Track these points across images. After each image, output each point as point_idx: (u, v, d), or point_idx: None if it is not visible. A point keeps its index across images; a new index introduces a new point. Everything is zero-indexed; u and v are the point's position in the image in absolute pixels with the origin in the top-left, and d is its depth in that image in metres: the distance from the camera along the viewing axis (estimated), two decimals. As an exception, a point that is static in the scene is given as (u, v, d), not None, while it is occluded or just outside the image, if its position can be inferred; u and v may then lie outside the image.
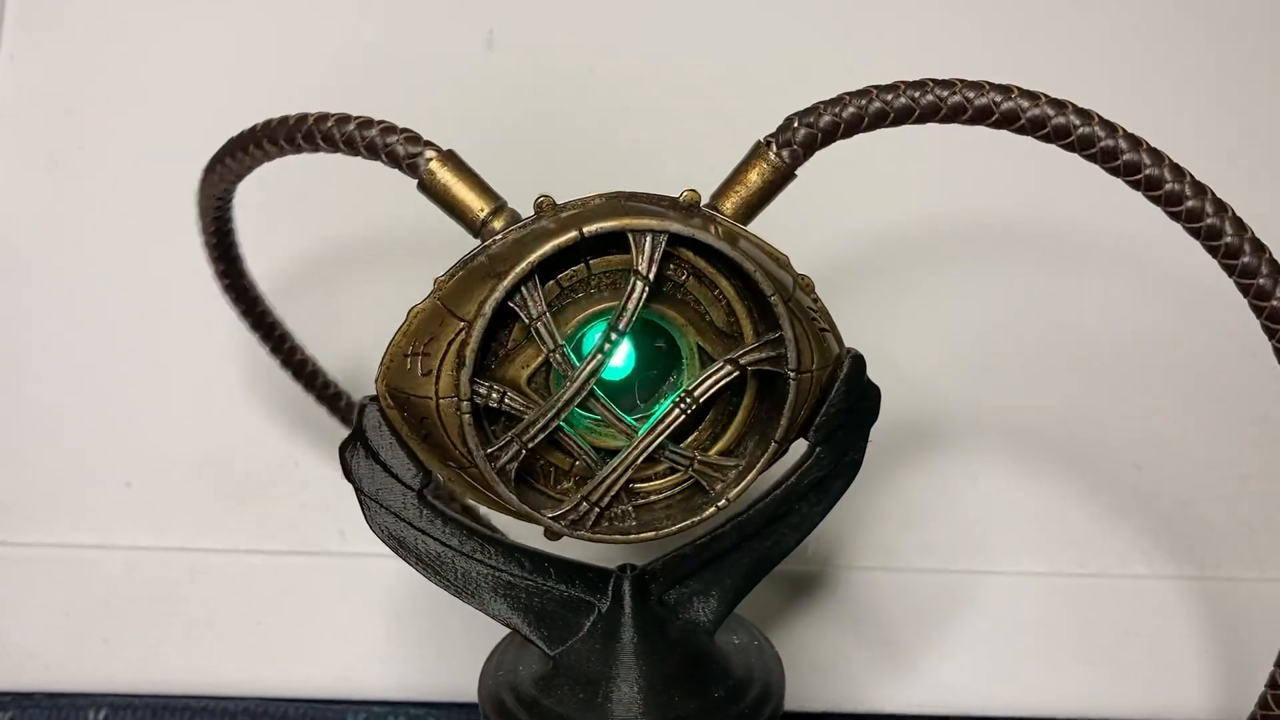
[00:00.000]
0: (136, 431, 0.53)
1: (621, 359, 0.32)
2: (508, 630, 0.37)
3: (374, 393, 0.32)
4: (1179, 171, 0.31)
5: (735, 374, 0.31)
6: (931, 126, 0.50)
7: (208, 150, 0.38)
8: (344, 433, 0.50)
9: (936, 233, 0.54)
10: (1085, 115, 0.31)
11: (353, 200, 0.51)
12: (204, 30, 0.54)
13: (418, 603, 0.53)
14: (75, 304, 0.53)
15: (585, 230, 0.29)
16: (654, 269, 0.30)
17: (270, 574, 0.53)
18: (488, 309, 0.29)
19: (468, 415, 0.30)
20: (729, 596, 0.36)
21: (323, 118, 0.33)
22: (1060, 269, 0.54)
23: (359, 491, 0.33)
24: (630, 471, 0.32)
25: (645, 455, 0.32)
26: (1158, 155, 0.31)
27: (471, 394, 0.30)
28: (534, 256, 0.29)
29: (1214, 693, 0.53)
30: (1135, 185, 0.31)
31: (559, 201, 0.32)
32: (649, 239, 0.30)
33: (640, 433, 0.31)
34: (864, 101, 0.32)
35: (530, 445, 0.31)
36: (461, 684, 0.50)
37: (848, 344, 0.34)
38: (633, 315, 0.30)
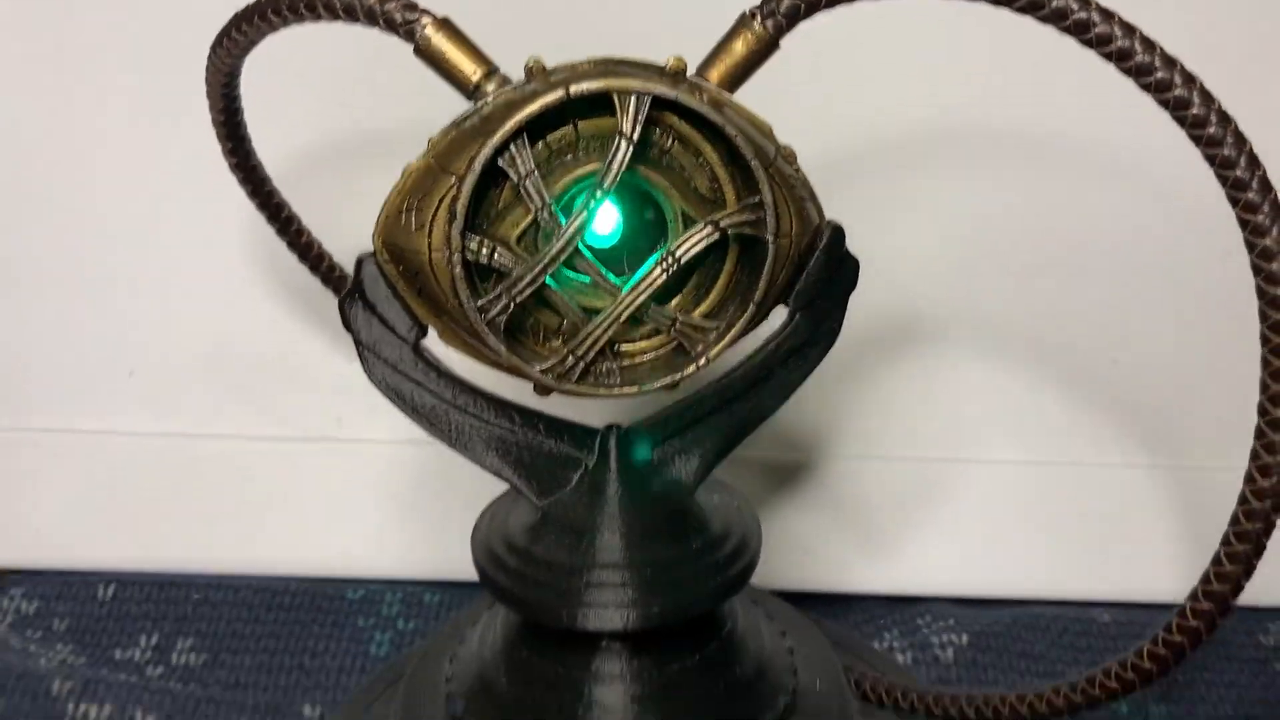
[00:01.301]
0: (139, 322, 0.55)
1: (609, 225, 0.34)
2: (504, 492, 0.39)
3: (371, 249, 0.33)
4: (1169, 62, 0.31)
5: (716, 236, 0.33)
6: (922, 23, 0.52)
7: (210, 31, 0.39)
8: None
9: (925, 133, 0.55)
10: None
11: (356, 89, 0.52)
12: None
13: (413, 487, 0.55)
14: (78, 196, 0.54)
15: (571, 90, 0.30)
16: (638, 130, 0.31)
17: (270, 459, 0.55)
18: (477, 165, 0.30)
19: (459, 268, 0.31)
20: (709, 457, 0.37)
21: None
22: (1044, 172, 0.55)
23: (358, 343, 0.34)
24: (614, 328, 0.33)
25: (628, 313, 0.33)
26: (1129, 28, 0.32)
27: (462, 247, 0.31)
28: (522, 115, 0.30)
29: (1183, 576, 0.54)
30: (1107, 57, 0.32)
31: (549, 66, 0.33)
32: (634, 100, 0.31)
33: (625, 290, 0.33)
34: None
35: (518, 299, 0.32)
36: (455, 563, 0.52)
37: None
38: (617, 175, 0.31)
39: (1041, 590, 0.55)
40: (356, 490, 0.55)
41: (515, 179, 0.31)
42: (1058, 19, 0.32)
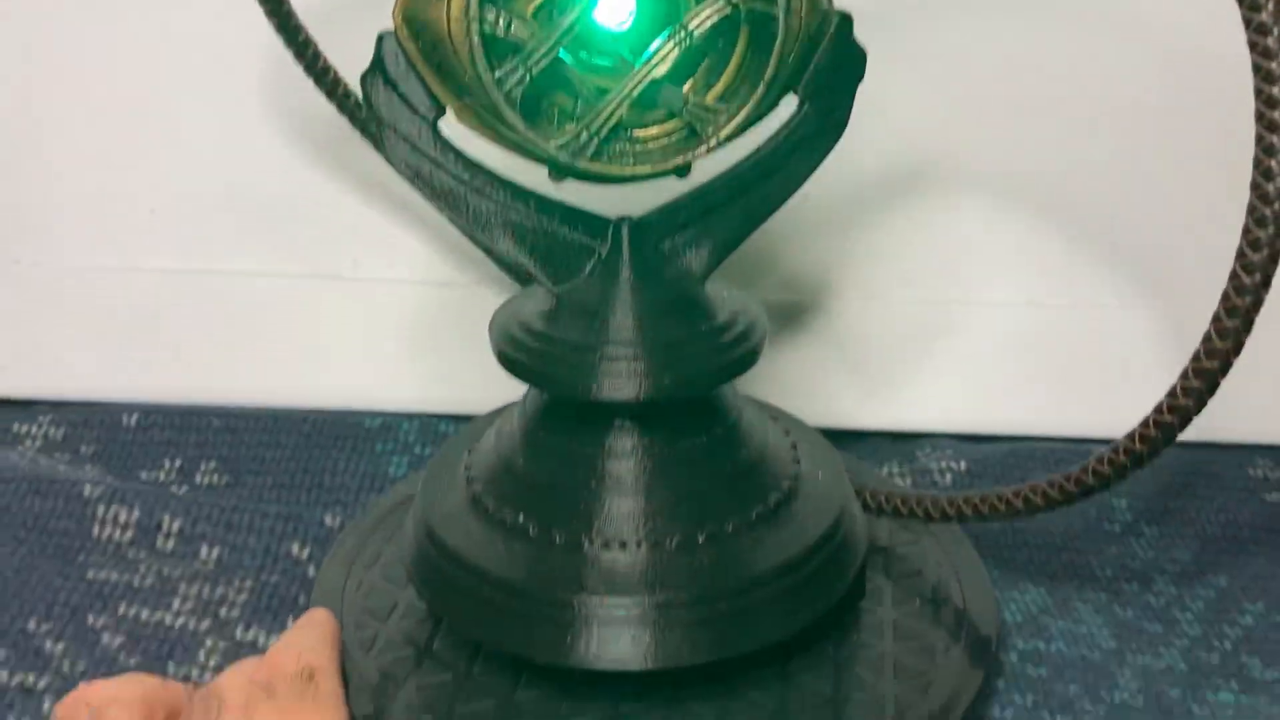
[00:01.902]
0: (160, 161, 0.55)
1: (625, 11, 0.35)
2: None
3: (392, 26, 0.34)
4: None
5: (728, 10, 0.34)
6: None
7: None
8: (362, 161, 0.53)
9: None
10: None
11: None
12: None
13: (428, 324, 0.56)
14: (101, 32, 0.54)
15: None
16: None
17: (289, 295, 0.56)
18: None
19: (477, 38, 0.32)
20: (720, 247, 0.39)
21: None
22: (1049, 13, 0.56)
23: (379, 121, 0.35)
24: (628, 99, 0.34)
25: (642, 84, 0.34)
26: None
27: (480, 17, 0.32)
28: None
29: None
30: None
31: None
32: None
33: (638, 65, 0.34)
34: None
35: (534, 69, 0.33)
36: (470, 397, 0.54)
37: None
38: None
39: (1038, 427, 0.56)
40: (373, 327, 0.56)
41: None
42: None
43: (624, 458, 0.37)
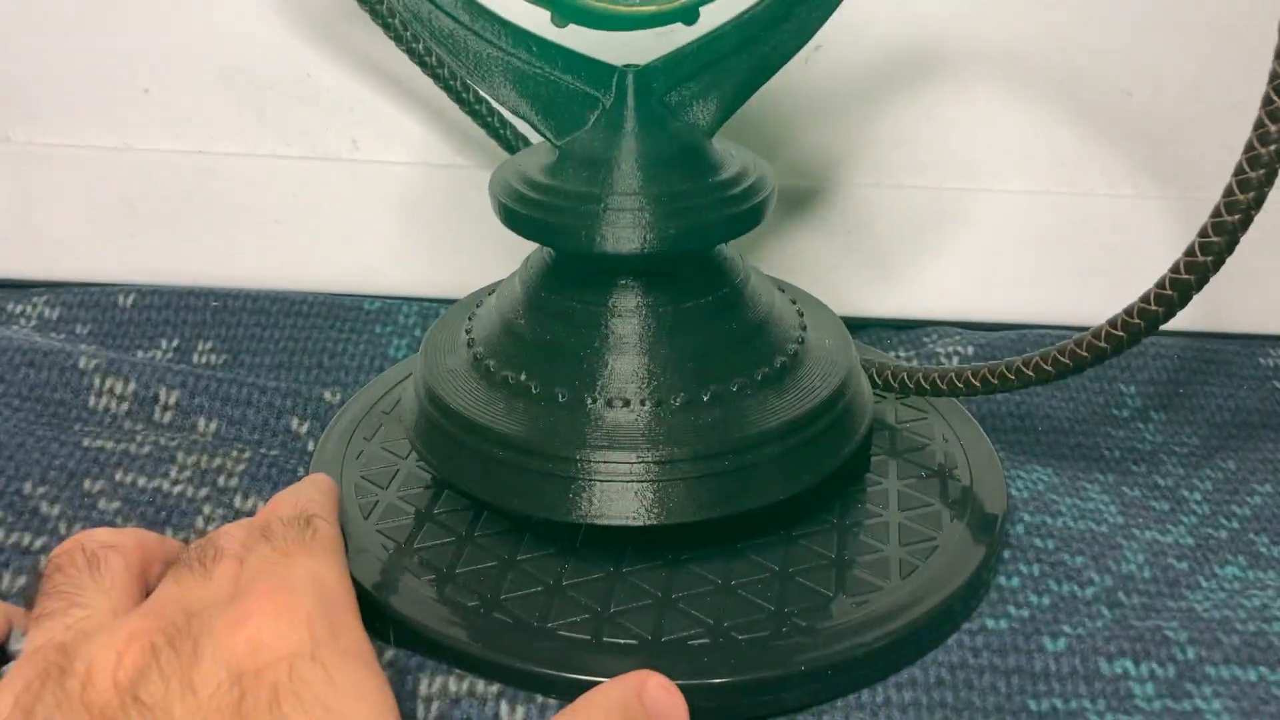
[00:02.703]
0: (154, 39, 0.54)
1: None
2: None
3: None
4: None
5: None
6: None
7: None
8: (362, 40, 0.52)
9: None
10: None
11: None
12: None
13: (428, 208, 0.55)
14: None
15: None
16: None
17: (287, 177, 0.55)
18: None
19: None
20: (727, 101, 0.38)
21: None
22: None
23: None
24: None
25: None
26: None
27: None
28: None
29: (1193, 306, 0.55)
30: None
31: None
32: None
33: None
34: None
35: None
36: (470, 282, 0.53)
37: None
38: None
39: (1048, 317, 0.55)
40: (372, 210, 0.55)
41: None
42: None
43: (628, 316, 0.37)
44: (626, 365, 0.36)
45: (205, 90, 0.55)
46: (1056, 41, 0.55)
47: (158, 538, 0.34)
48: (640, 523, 0.34)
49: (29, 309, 0.53)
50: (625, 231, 0.35)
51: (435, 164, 0.55)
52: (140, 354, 0.51)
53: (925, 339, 0.53)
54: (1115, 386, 0.51)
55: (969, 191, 0.55)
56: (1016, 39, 0.55)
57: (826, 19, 0.37)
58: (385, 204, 0.55)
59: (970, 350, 0.52)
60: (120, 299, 0.53)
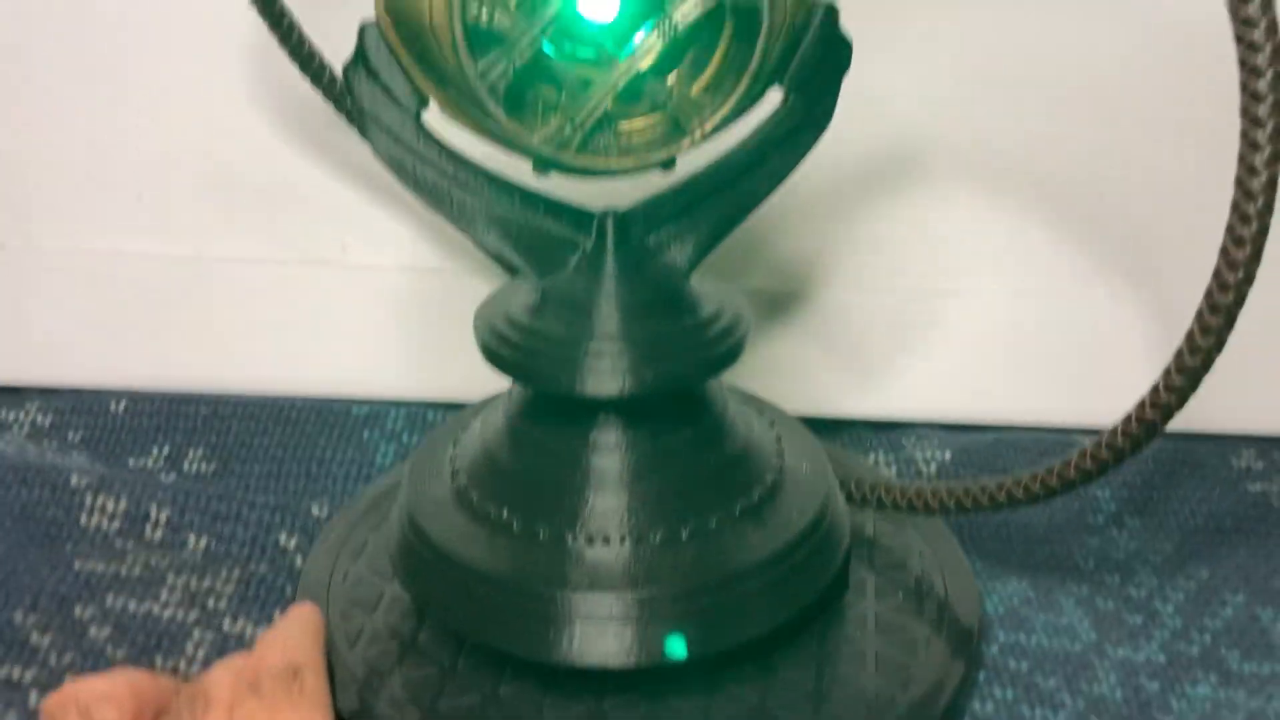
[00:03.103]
0: (147, 145, 0.55)
1: (611, 9, 0.34)
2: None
3: (374, 17, 0.34)
4: None
5: (713, 2, 0.33)
6: None
7: None
8: (351, 147, 0.53)
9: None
10: None
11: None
12: None
13: (417, 311, 0.56)
14: (86, 16, 0.54)
15: None
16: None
17: (277, 282, 0.56)
18: None
19: (459, 27, 0.32)
20: (704, 241, 0.39)
21: None
22: (1039, 4, 0.55)
23: (361, 113, 0.35)
24: (612, 95, 0.34)
25: (626, 79, 0.34)
26: None
27: (463, 6, 0.32)
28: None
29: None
30: None
31: None
32: None
33: (621, 58, 0.34)
34: None
35: (518, 61, 0.33)
36: (458, 385, 0.54)
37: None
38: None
39: (1024, 417, 0.56)
40: (361, 313, 0.56)
41: None
42: None
43: (608, 452, 0.37)
44: (607, 502, 0.37)
45: (197, 195, 0.56)
46: (1030, 144, 0.56)
47: (149, 678, 0.35)
48: (621, 664, 0.35)
49: (21, 415, 0.53)
50: (605, 376, 0.36)
51: (424, 268, 0.56)
52: (132, 461, 0.51)
53: (904, 441, 0.54)
54: (1090, 491, 0.52)
55: (944, 292, 0.57)
56: (991, 142, 0.56)
57: (799, 164, 0.38)
58: (374, 307, 0.56)
59: (948, 456, 0.53)
60: (112, 405, 0.54)
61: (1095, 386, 0.56)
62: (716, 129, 0.35)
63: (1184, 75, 0.55)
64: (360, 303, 0.56)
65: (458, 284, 0.56)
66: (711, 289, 0.40)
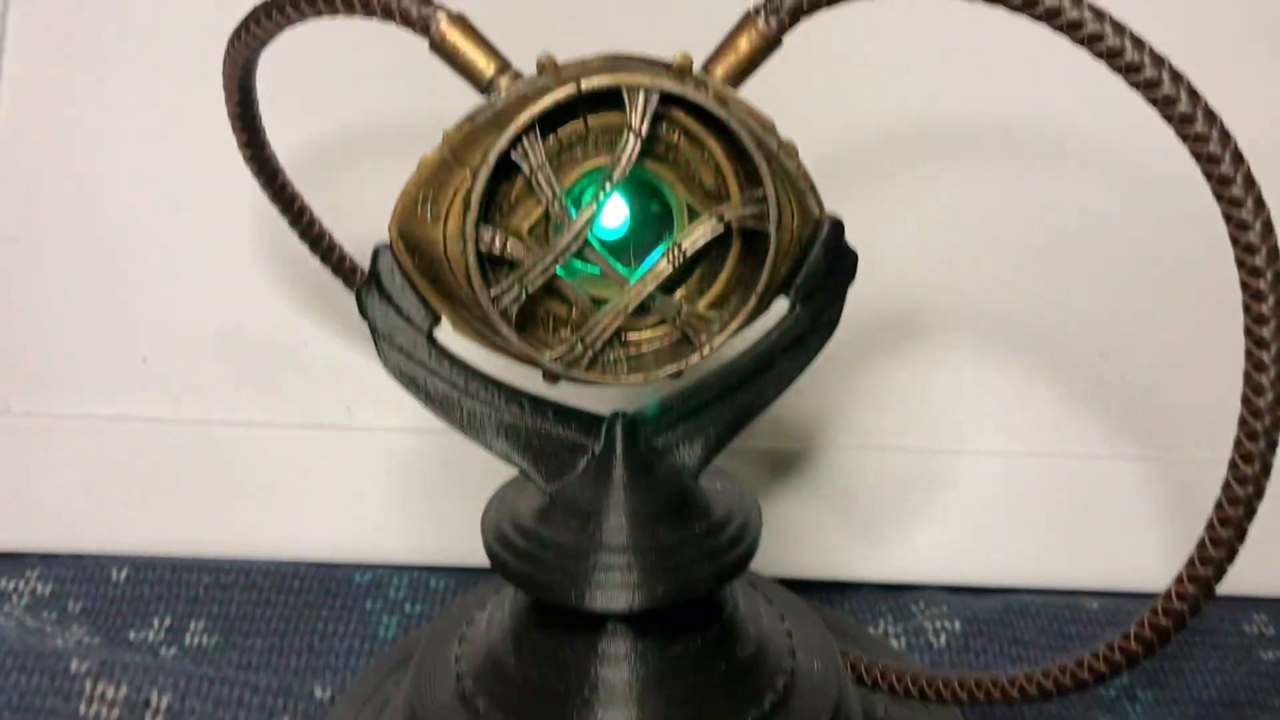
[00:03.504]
0: (152, 309, 0.56)
1: (618, 218, 0.35)
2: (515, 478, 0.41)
3: (387, 239, 0.35)
4: (1158, 60, 0.32)
5: (720, 228, 0.34)
6: (918, 19, 0.53)
7: (227, 22, 0.39)
8: (354, 310, 0.53)
9: (920, 128, 0.56)
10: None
11: (371, 79, 0.53)
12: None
13: (421, 474, 0.56)
14: (92, 183, 0.55)
15: (583, 85, 0.32)
16: (646, 124, 0.32)
17: (281, 445, 0.56)
18: (491, 158, 0.32)
19: (473, 258, 0.33)
20: (712, 444, 0.39)
21: None
22: (1035, 163, 0.56)
23: (374, 332, 0.35)
24: (623, 317, 0.34)
25: (637, 301, 0.34)
26: (1138, 41, 0.33)
27: (476, 238, 0.32)
28: (535, 109, 0.32)
29: (1171, 565, 0.55)
30: (1098, 55, 0.33)
31: (560, 62, 0.34)
32: (642, 95, 0.32)
33: (633, 281, 0.34)
34: None
35: (530, 288, 0.33)
36: (462, 549, 0.54)
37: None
38: (625, 168, 0.33)
39: (1032, 579, 0.56)
40: (365, 477, 0.56)
41: (528, 172, 0.33)
42: (1050, 18, 0.33)
43: (617, 663, 0.37)
44: (615, 717, 0.36)
45: (202, 358, 0.56)
46: (1033, 302, 0.57)
47: None
48: None
49: (22, 584, 0.53)
50: (614, 591, 0.35)
51: (427, 429, 0.56)
52: (133, 634, 0.51)
53: (912, 607, 0.54)
54: (1102, 661, 0.51)
55: (951, 453, 0.57)
56: (995, 302, 0.57)
57: (806, 368, 0.38)
58: (378, 470, 0.56)
59: (957, 626, 0.52)
60: (114, 573, 0.53)
61: (1105, 548, 0.56)
62: (725, 343, 0.35)
63: (1187, 234, 0.56)
64: (365, 465, 0.56)
65: (463, 446, 0.55)
66: (720, 485, 0.40)
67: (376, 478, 0.56)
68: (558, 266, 0.34)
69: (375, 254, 0.35)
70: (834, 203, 0.53)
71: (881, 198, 0.56)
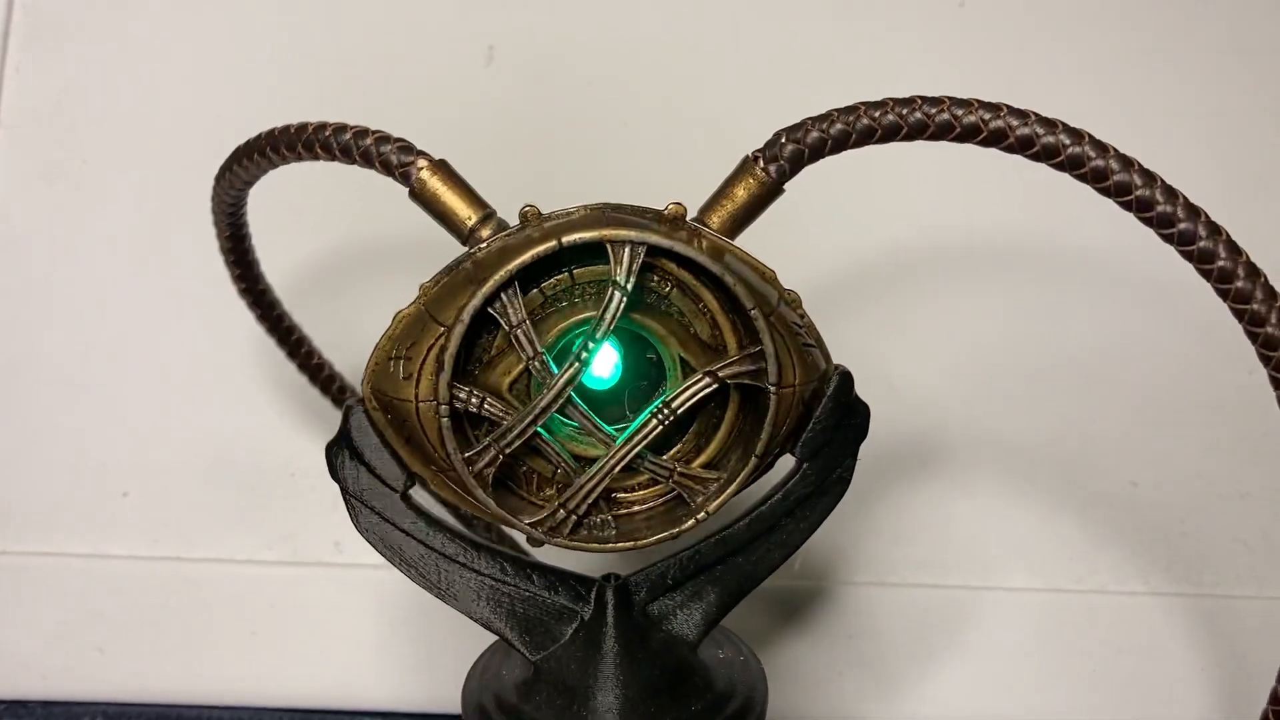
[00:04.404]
0: (134, 442, 0.53)
1: (608, 369, 0.33)
2: (493, 644, 0.38)
3: (359, 395, 0.32)
4: (1171, 193, 0.30)
5: (714, 386, 0.31)
6: (927, 144, 0.51)
7: (206, 161, 0.37)
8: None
9: (933, 252, 0.54)
10: (1075, 135, 0.31)
11: (365, 206, 0.51)
12: (205, 43, 0.54)
13: (410, 614, 0.53)
14: (75, 314, 0.53)
15: (564, 240, 0.30)
16: (632, 279, 0.30)
17: (265, 584, 0.53)
18: (466, 315, 0.30)
19: (446, 419, 0.30)
20: (712, 612, 0.35)
21: (321, 127, 0.33)
22: (1055, 287, 0.54)
23: (345, 493, 0.33)
24: (607, 480, 0.32)
25: (623, 464, 0.32)
26: (1149, 176, 0.31)
27: (450, 398, 0.30)
28: (512, 265, 0.29)
29: (1211, 711, 0.52)
30: (1127, 206, 0.31)
31: (544, 211, 0.32)
32: (627, 249, 0.30)
33: (618, 442, 0.32)
34: (851, 118, 0.32)
35: (507, 451, 0.31)
36: (451, 694, 0.50)
37: (845, 360, 0.34)
38: (610, 325, 0.30)
39: (1062, 723, 0.52)
40: (354, 618, 0.53)
41: (507, 328, 0.30)
42: (1073, 167, 0.31)
43: None
44: None
45: (185, 492, 0.53)
46: (1059, 432, 0.54)
47: None
48: None
49: (-13, 735, 0.50)
50: (601, 781, 0.32)
51: (419, 566, 0.53)
52: (101, 795, 0.48)
53: (935, 759, 0.50)
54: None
55: (974, 589, 0.53)
56: (1018, 430, 0.54)
57: (812, 532, 0.35)
58: (366, 611, 0.53)
59: (984, 782, 0.48)
60: (85, 723, 0.50)
61: (1138, 691, 0.52)
62: (723, 506, 0.33)
63: (1212, 359, 0.53)
64: (354, 606, 0.53)
65: (456, 583, 0.53)
66: (723, 657, 0.36)
67: (366, 619, 0.53)
68: (538, 426, 0.31)
69: (346, 411, 0.33)
70: (848, 327, 0.51)
71: (898, 322, 0.54)
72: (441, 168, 0.33)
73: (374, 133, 0.33)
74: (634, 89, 0.54)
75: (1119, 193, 0.31)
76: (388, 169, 0.33)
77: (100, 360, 0.53)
